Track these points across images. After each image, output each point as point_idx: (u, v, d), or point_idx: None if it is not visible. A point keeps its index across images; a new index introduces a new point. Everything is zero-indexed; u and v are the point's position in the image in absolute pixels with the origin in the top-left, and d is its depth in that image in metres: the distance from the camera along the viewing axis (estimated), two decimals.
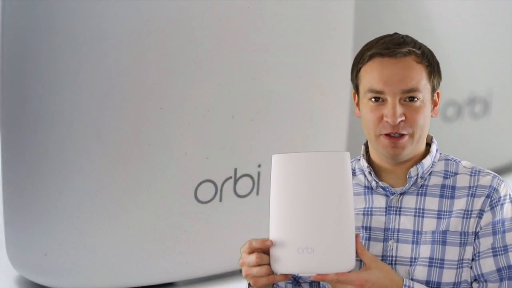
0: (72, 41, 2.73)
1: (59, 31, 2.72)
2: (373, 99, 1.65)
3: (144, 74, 2.79)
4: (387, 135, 1.64)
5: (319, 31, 3.07)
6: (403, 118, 1.63)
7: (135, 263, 2.96)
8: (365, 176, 1.73)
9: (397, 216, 1.67)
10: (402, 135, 1.64)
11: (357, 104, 1.72)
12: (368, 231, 1.68)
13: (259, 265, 1.55)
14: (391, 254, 1.65)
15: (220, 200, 3.00)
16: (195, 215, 2.97)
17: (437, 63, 1.69)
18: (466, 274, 1.63)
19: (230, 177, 3.01)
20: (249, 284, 1.61)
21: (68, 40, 2.73)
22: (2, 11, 2.78)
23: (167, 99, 2.83)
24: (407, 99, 1.63)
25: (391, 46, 1.64)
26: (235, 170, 3.01)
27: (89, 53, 2.74)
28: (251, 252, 1.56)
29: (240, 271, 1.60)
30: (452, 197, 1.66)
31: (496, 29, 3.94)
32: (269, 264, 1.55)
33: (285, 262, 1.54)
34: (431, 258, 1.62)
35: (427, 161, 1.69)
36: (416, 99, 1.63)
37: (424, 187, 1.68)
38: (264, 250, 1.55)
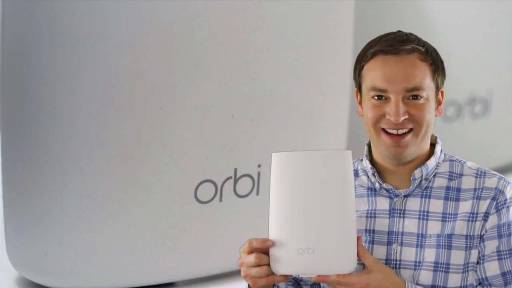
0: (72, 41, 2.72)
1: (59, 31, 2.72)
2: (375, 97, 1.63)
3: (144, 74, 2.79)
4: (388, 133, 1.62)
5: (319, 31, 3.07)
6: (406, 116, 1.61)
7: (135, 263, 2.96)
8: (368, 177, 1.71)
9: (401, 219, 1.65)
10: (404, 133, 1.61)
11: (360, 103, 1.71)
12: (371, 234, 1.66)
13: (258, 265, 1.53)
14: (395, 258, 1.64)
15: (220, 200, 3.00)
16: (195, 215, 2.97)
17: (442, 62, 1.67)
18: (472, 278, 1.62)
19: (230, 177, 3.00)
20: (248, 285, 1.59)
21: (68, 40, 2.72)
22: (2, 11, 2.77)
23: (167, 99, 2.83)
24: (411, 98, 1.61)
25: (394, 44, 1.62)
26: (235, 170, 3.01)
27: (89, 53, 2.73)
28: (251, 252, 1.54)
29: (240, 271, 1.59)
30: (457, 199, 1.64)
31: (496, 29, 3.94)
32: (268, 265, 1.53)
33: (285, 263, 1.52)
34: (436, 263, 1.61)
35: (431, 163, 1.66)
36: (419, 97, 1.61)
37: (429, 189, 1.66)
38: (263, 250, 1.54)
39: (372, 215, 1.67)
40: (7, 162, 2.91)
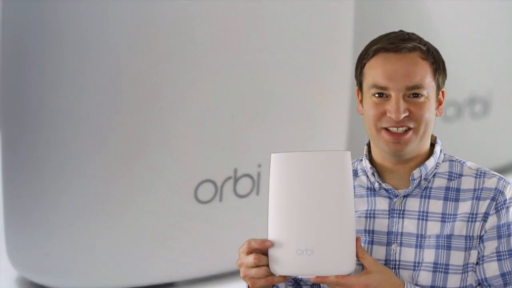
0: (73, 41, 2.73)
1: (59, 31, 2.72)
2: (376, 95, 1.62)
3: (144, 74, 2.79)
4: (388, 130, 1.62)
5: (319, 31, 3.07)
6: (407, 113, 1.60)
7: (135, 263, 2.96)
8: (368, 177, 1.70)
9: (400, 219, 1.64)
10: (405, 131, 1.61)
11: (361, 101, 1.70)
12: (370, 234, 1.66)
13: (257, 266, 1.52)
14: (394, 258, 1.63)
15: (220, 200, 3.00)
16: (195, 215, 2.97)
17: (443, 61, 1.67)
18: (471, 279, 1.61)
19: (230, 177, 3.00)
20: (248, 285, 1.58)
21: (68, 40, 2.73)
22: (2, 11, 2.78)
23: (167, 99, 2.83)
24: (411, 96, 1.61)
25: (396, 42, 1.62)
26: (235, 170, 3.01)
27: (89, 53, 2.74)
28: (250, 252, 1.53)
29: (240, 271, 1.59)
30: (457, 200, 1.63)
31: (496, 29, 3.94)
32: (267, 265, 1.52)
33: (284, 264, 1.51)
34: (435, 263, 1.60)
35: (430, 163, 1.66)
36: (420, 95, 1.61)
37: (428, 190, 1.65)
38: (262, 251, 1.53)
39: (372, 215, 1.67)
40: (7, 162, 2.91)
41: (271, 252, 1.53)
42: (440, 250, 1.60)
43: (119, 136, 2.81)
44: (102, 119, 2.79)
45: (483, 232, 1.61)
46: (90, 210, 2.85)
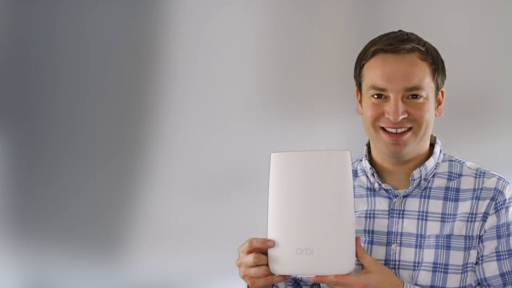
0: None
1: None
2: (375, 96, 1.62)
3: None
4: (386, 131, 1.62)
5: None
6: (405, 115, 1.60)
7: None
8: (368, 177, 1.70)
9: (400, 219, 1.64)
10: (403, 132, 1.61)
11: (360, 102, 1.70)
12: (370, 234, 1.66)
13: (257, 265, 1.52)
14: (394, 258, 1.63)
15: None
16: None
17: (442, 62, 1.67)
18: (471, 278, 1.61)
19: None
20: (247, 285, 1.58)
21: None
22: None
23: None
24: (410, 97, 1.60)
25: (394, 43, 1.61)
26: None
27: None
28: (250, 251, 1.53)
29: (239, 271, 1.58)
30: (457, 200, 1.63)
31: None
32: (267, 265, 1.52)
33: (284, 263, 1.51)
34: (435, 263, 1.60)
35: (430, 163, 1.66)
36: (419, 96, 1.61)
37: (428, 190, 1.65)
38: (263, 251, 1.52)
39: (371, 215, 1.67)
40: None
41: (270, 251, 1.52)
42: (439, 250, 1.60)
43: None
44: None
45: (482, 232, 1.61)
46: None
